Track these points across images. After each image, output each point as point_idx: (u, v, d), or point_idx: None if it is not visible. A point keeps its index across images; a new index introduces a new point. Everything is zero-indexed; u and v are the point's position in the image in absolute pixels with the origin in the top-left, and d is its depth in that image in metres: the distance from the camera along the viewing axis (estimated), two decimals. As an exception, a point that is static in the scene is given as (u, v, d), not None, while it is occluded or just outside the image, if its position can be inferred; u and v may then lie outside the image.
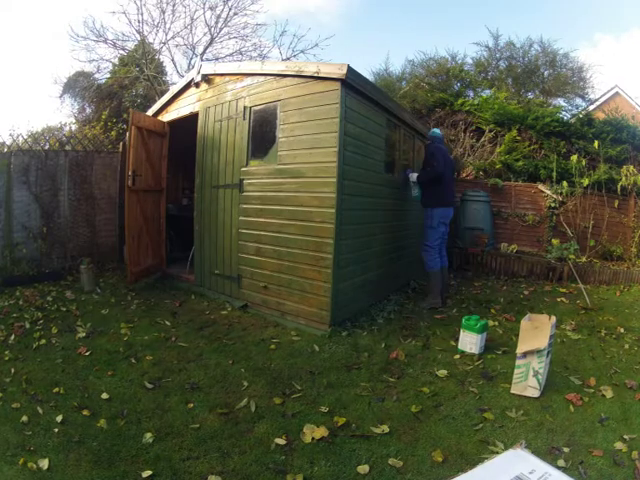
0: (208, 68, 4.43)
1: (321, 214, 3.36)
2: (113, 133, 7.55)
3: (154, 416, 2.16)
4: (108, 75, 9.55)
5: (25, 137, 5.35)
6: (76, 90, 9.41)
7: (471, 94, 9.65)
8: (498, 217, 6.63)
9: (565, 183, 6.34)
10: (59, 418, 2.09)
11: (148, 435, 1.98)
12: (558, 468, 0.82)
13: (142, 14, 9.33)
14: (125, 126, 7.64)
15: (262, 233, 3.80)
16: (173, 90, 4.99)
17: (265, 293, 3.79)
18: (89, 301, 4.10)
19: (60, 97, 9.61)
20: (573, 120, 7.44)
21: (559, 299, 4.60)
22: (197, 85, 4.49)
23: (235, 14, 9.71)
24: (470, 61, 10.77)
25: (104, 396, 2.33)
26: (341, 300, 3.48)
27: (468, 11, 21.41)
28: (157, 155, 4.95)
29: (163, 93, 6.39)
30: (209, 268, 4.39)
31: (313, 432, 2.02)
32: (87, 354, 2.88)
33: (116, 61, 9.73)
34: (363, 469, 1.79)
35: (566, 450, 1.90)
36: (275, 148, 3.69)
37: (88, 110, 9.57)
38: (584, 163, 6.46)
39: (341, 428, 2.08)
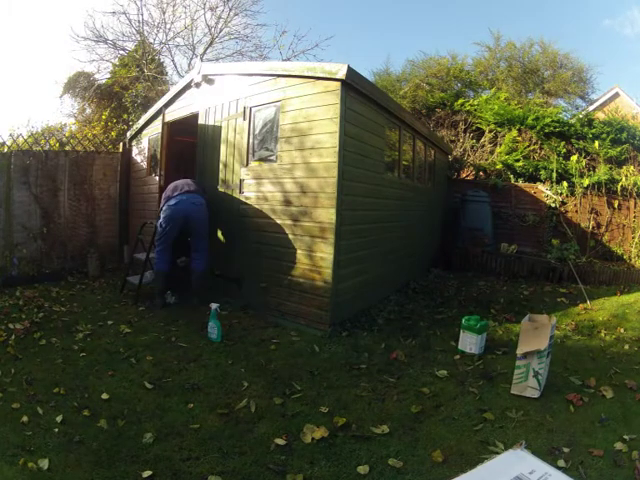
0: (208, 68, 4.42)
1: (321, 214, 3.36)
2: (113, 133, 7.55)
3: (154, 416, 2.16)
4: (108, 75, 9.55)
5: (25, 137, 5.35)
6: (76, 90, 9.40)
7: (471, 94, 9.65)
8: (498, 217, 6.63)
9: (565, 183, 6.34)
10: (59, 418, 2.09)
11: (148, 435, 1.98)
12: (558, 468, 0.82)
13: (142, 14, 9.37)
14: (125, 126, 7.64)
15: (262, 233, 3.80)
16: (173, 90, 4.99)
17: (265, 293, 3.79)
18: (89, 301, 4.10)
19: (60, 97, 9.61)
20: (573, 120, 7.44)
21: (559, 299, 4.60)
22: (197, 85, 4.48)
23: (236, 14, 9.75)
24: (470, 61, 10.80)
25: (104, 396, 2.33)
26: (341, 300, 3.48)
27: (469, 11, 21.41)
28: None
29: (163, 93, 6.39)
30: (209, 269, 4.38)
31: (313, 432, 2.02)
32: (87, 354, 2.88)
33: (116, 61, 9.74)
34: (363, 469, 1.79)
35: (566, 450, 1.90)
36: (275, 148, 3.69)
37: (88, 110, 9.57)
38: (584, 163, 6.48)
39: (341, 428, 2.08)
